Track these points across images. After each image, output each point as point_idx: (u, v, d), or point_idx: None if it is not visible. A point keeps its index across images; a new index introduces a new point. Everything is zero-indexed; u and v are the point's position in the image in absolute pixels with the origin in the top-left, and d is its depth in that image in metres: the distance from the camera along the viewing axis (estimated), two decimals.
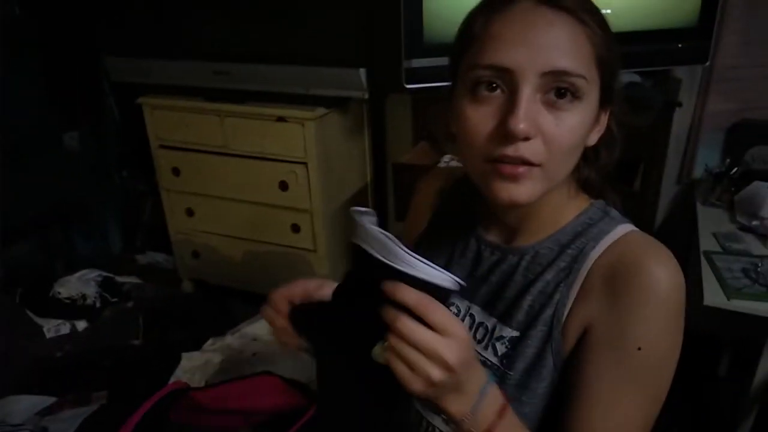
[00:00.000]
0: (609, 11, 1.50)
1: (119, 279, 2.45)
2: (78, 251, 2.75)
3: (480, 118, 0.61)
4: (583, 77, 0.60)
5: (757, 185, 1.68)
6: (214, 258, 2.50)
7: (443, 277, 0.53)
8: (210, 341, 1.97)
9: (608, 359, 0.62)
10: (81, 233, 2.78)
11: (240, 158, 2.23)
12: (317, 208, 2.20)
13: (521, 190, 0.62)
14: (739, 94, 1.94)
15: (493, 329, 0.71)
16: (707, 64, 1.74)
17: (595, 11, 0.63)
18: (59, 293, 2.27)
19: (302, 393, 1.44)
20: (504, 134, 0.59)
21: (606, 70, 0.63)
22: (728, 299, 1.33)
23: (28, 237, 2.57)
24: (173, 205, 2.48)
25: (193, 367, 1.81)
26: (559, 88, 0.60)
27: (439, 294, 0.53)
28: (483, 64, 0.60)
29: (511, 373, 0.67)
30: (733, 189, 1.77)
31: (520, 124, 0.58)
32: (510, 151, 0.60)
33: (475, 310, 0.74)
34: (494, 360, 0.69)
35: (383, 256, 0.53)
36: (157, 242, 2.84)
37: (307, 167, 2.13)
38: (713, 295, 1.35)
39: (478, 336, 0.72)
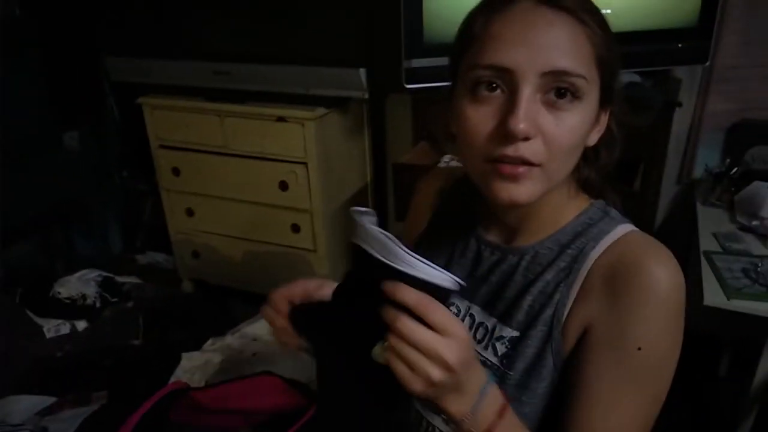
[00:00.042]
0: (609, 11, 1.49)
1: (119, 279, 2.45)
2: (78, 251, 2.76)
3: (480, 118, 0.61)
4: (583, 77, 0.60)
5: (757, 185, 1.68)
6: (214, 258, 2.50)
7: (443, 277, 0.53)
8: (210, 341, 1.97)
9: (608, 359, 0.62)
10: (81, 233, 2.78)
11: (240, 158, 2.23)
12: (317, 208, 2.20)
13: (521, 190, 0.62)
14: (739, 94, 1.94)
15: (493, 329, 0.71)
16: (707, 64, 1.74)
17: (595, 11, 0.63)
18: (59, 293, 2.27)
19: (302, 393, 1.44)
20: (504, 134, 0.59)
21: (606, 70, 0.63)
22: (728, 299, 1.33)
23: (29, 237, 2.57)
24: (173, 205, 2.48)
25: (193, 367, 1.81)
26: (559, 88, 0.60)
27: (439, 294, 0.53)
28: (483, 64, 0.60)
29: (511, 373, 0.67)
30: (733, 189, 1.77)
31: (520, 124, 0.58)
32: (510, 151, 0.60)
33: (475, 310, 0.74)
34: (494, 360, 0.69)
35: (383, 256, 0.53)
36: (157, 242, 2.84)
37: (307, 167, 2.13)
38: (713, 295, 1.35)
39: (478, 336, 0.72)
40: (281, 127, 2.11)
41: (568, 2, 0.60)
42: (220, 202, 2.37)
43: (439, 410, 0.57)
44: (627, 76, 1.67)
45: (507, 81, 0.60)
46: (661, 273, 0.61)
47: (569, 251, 0.68)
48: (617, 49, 0.64)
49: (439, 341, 0.51)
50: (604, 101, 0.65)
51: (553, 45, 0.59)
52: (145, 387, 1.52)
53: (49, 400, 1.75)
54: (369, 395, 0.63)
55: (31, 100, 2.45)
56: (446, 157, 2.12)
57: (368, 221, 0.55)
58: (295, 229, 2.27)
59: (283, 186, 2.19)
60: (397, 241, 0.52)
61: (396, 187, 2.16)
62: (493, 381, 0.59)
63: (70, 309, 2.23)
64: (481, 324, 0.73)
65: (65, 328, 2.15)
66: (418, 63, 1.67)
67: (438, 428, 0.71)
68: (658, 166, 2.06)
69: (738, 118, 1.97)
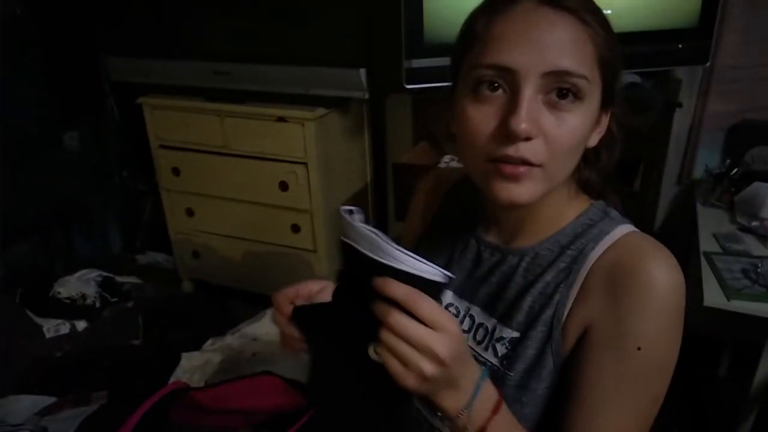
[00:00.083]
0: (609, 11, 1.49)
1: (119, 279, 2.45)
2: (78, 251, 2.76)
3: (481, 117, 0.61)
4: (585, 78, 0.60)
5: (757, 186, 1.68)
6: (214, 258, 2.50)
7: (432, 271, 0.53)
8: (210, 341, 1.97)
9: (608, 359, 0.62)
10: (81, 233, 2.78)
11: (240, 158, 2.23)
12: (317, 209, 2.20)
13: (521, 191, 0.62)
14: (740, 94, 1.94)
15: (493, 330, 0.71)
16: (708, 64, 1.74)
17: (597, 11, 0.63)
18: (59, 293, 2.27)
19: (302, 393, 1.43)
20: (505, 134, 0.59)
21: (608, 70, 0.63)
22: (728, 300, 1.33)
23: (29, 237, 2.57)
24: (173, 205, 2.48)
25: (193, 367, 1.81)
26: (561, 89, 0.60)
27: (430, 288, 0.53)
28: (485, 63, 0.60)
29: (511, 374, 0.67)
30: (733, 190, 1.77)
31: (522, 124, 0.58)
32: (511, 151, 0.59)
33: (475, 311, 0.74)
34: (494, 361, 0.69)
35: (372, 253, 0.53)
36: (157, 242, 2.84)
37: (307, 167, 2.13)
38: (713, 296, 1.35)
39: (478, 337, 0.72)
40: (281, 127, 2.11)
41: (571, 2, 0.60)
42: (220, 202, 2.37)
43: (434, 407, 0.57)
44: (627, 77, 1.67)
45: (509, 81, 0.60)
46: (660, 273, 0.61)
47: (569, 252, 0.68)
48: (619, 49, 0.64)
49: (430, 335, 0.52)
50: (606, 102, 0.65)
51: (555, 45, 0.59)
52: (144, 387, 1.51)
53: (48, 400, 1.75)
54: (367, 395, 0.63)
55: (31, 100, 2.45)
56: (446, 158, 2.12)
57: (356, 219, 0.55)
58: (295, 229, 2.27)
59: (283, 186, 2.19)
60: (385, 237, 0.53)
61: (396, 187, 2.16)
62: (487, 377, 0.59)
63: (70, 309, 2.23)
64: (481, 325, 0.73)
65: (65, 328, 2.15)
66: (418, 63, 1.67)
67: (439, 431, 0.71)
68: (658, 167, 2.06)
69: (738, 119, 1.97)
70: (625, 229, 0.67)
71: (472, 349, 0.72)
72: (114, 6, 2.34)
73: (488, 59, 0.60)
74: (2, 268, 2.39)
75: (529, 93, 0.59)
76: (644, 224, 1.97)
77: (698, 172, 2.05)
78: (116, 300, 2.33)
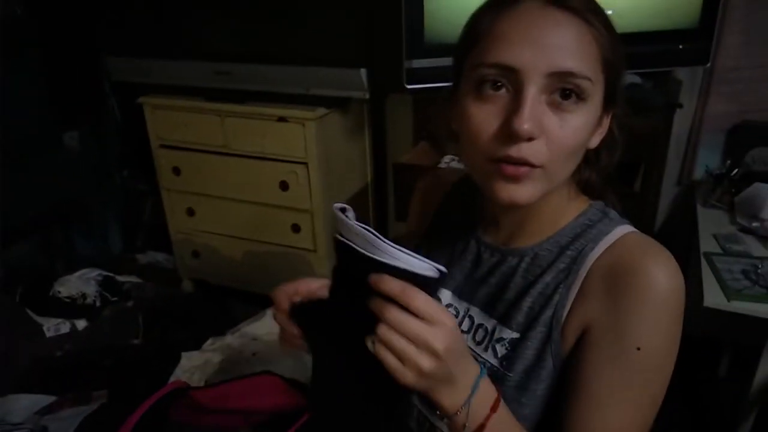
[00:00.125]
0: (611, 12, 1.49)
1: (119, 278, 2.45)
2: (78, 251, 2.76)
3: (484, 117, 0.61)
4: (589, 79, 0.60)
5: (757, 187, 1.68)
6: (215, 258, 2.50)
7: (425, 267, 0.53)
8: (210, 341, 1.97)
9: (607, 359, 0.62)
10: (81, 233, 2.78)
11: (240, 158, 2.23)
12: (317, 208, 2.20)
13: (522, 191, 0.62)
14: (740, 95, 1.94)
15: (493, 331, 0.71)
16: (708, 65, 1.74)
17: (601, 12, 0.62)
18: (59, 292, 2.27)
19: (302, 393, 1.44)
20: (508, 134, 0.59)
21: (611, 71, 0.63)
22: (728, 301, 1.33)
23: (29, 237, 2.57)
24: (174, 204, 2.49)
25: (193, 366, 1.81)
26: (564, 89, 0.60)
27: (424, 284, 0.53)
28: (488, 62, 0.60)
29: (511, 374, 0.67)
30: (733, 190, 1.77)
31: (525, 124, 0.57)
32: (513, 151, 0.59)
33: (475, 311, 0.74)
34: (494, 361, 0.69)
35: (365, 250, 0.53)
36: (158, 242, 2.84)
37: (307, 167, 2.13)
38: (713, 297, 1.34)
39: (478, 338, 0.72)
40: (282, 127, 2.11)
41: (575, 3, 0.60)
42: (220, 202, 2.37)
43: (433, 405, 0.58)
44: (628, 77, 1.67)
45: (512, 80, 0.60)
46: (659, 274, 0.61)
47: (568, 252, 0.68)
48: (622, 50, 0.64)
49: (425, 329, 0.52)
50: (608, 103, 0.65)
51: (559, 45, 0.59)
52: (144, 386, 1.52)
53: (48, 399, 1.75)
54: (366, 393, 0.63)
55: (31, 99, 2.45)
56: (447, 158, 2.12)
57: (349, 217, 0.55)
58: (296, 229, 2.27)
59: (284, 186, 2.19)
60: (377, 234, 0.53)
61: (396, 187, 2.16)
62: (485, 374, 0.59)
63: (70, 308, 2.23)
64: (480, 325, 0.73)
65: (65, 327, 2.15)
66: (418, 63, 1.67)
67: (440, 430, 0.71)
68: (658, 167, 2.06)
69: (739, 120, 1.97)
70: (624, 229, 0.67)
71: (472, 349, 0.72)
72: (114, 6, 2.34)
73: (492, 58, 0.60)
74: (2, 267, 2.39)
75: (532, 93, 0.59)
76: (644, 225, 1.98)
77: (698, 173, 2.05)
78: (116, 299, 2.33)
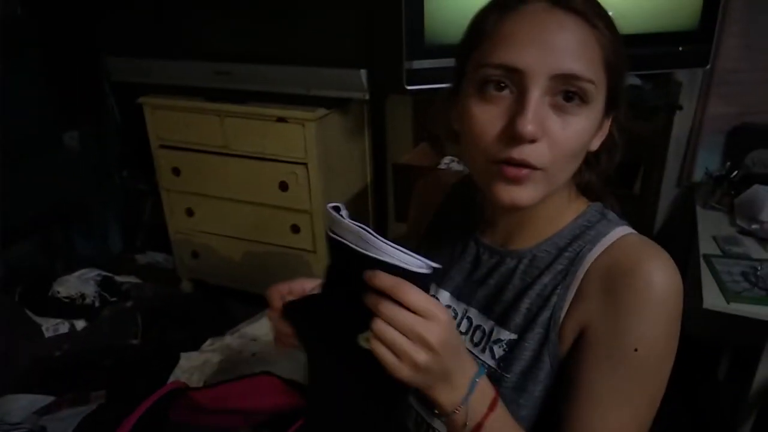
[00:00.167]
0: (611, 14, 1.49)
1: (118, 278, 2.45)
2: (78, 251, 2.76)
3: (487, 117, 0.61)
4: (592, 82, 0.60)
5: (757, 189, 1.68)
6: (214, 258, 2.50)
7: (417, 263, 0.53)
8: (209, 341, 1.97)
9: (605, 360, 0.62)
10: (81, 233, 2.78)
11: (240, 158, 2.23)
12: (317, 209, 2.20)
13: (523, 193, 0.62)
14: (740, 97, 1.94)
15: (491, 332, 0.71)
16: (708, 67, 1.74)
17: (605, 15, 0.62)
18: (58, 292, 2.27)
19: (301, 393, 1.44)
20: (511, 135, 0.59)
21: (613, 74, 0.63)
22: (728, 303, 1.33)
23: (28, 237, 2.57)
24: (173, 205, 2.48)
25: (192, 367, 1.81)
26: (568, 92, 0.59)
27: (417, 279, 0.53)
28: (493, 63, 0.60)
29: (508, 375, 0.67)
30: (733, 192, 1.77)
31: (528, 125, 0.57)
32: (515, 153, 0.59)
33: (473, 313, 0.74)
34: (491, 363, 0.69)
35: (359, 246, 0.54)
36: (157, 242, 2.84)
37: (307, 168, 2.13)
38: (713, 299, 1.34)
39: (476, 339, 0.72)
40: (282, 128, 2.11)
41: (580, 5, 0.60)
42: (220, 203, 2.37)
43: (431, 404, 0.58)
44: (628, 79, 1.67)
45: (516, 81, 0.60)
46: (657, 275, 0.60)
47: (566, 254, 0.68)
48: (625, 53, 0.64)
49: (420, 322, 0.52)
50: (609, 106, 0.65)
51: (564, 47, 0.59)
52: (143, 387, 1.52)
53: (47, 399, 1.75)
54: (362, 391, 0.63)
55: (31, 99, 2.45)
56: (447, 159, 2.12)
57: (342, 215, 0.56)
58: (295, 229, 2.27)
59: (283, 186, 2.19)
60: (371, 231, 0.53)
61: (396, 187, 2.16)
62: (483, 373, 0.59)
63: (69, 308, 2.23)
64: (478, 327, 0.73)
65: (64, 328, 2.15)
66: (419, 64, 1.67)
67: (438, 430, 0.71)
68: (658, 169, 2.06)
69: (738, 122, 1.97)
70: (623, 230, 0.67)
71: (470, 350, 0.72)
72: (115, 6, 2.35)
73: (496, 59, 0.60)
74: (2, 267, 2.39)
75: (536, 95, 0.58)
76: (644, 227, 1.98)
77: (698, 175, 2.05)
78: (115, 299, 2.33)
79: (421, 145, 2.23)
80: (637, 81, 1.77)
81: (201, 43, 2.22)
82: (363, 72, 2.00)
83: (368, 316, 0.54)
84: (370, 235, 0.53)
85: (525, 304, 0.68)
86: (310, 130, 2.07)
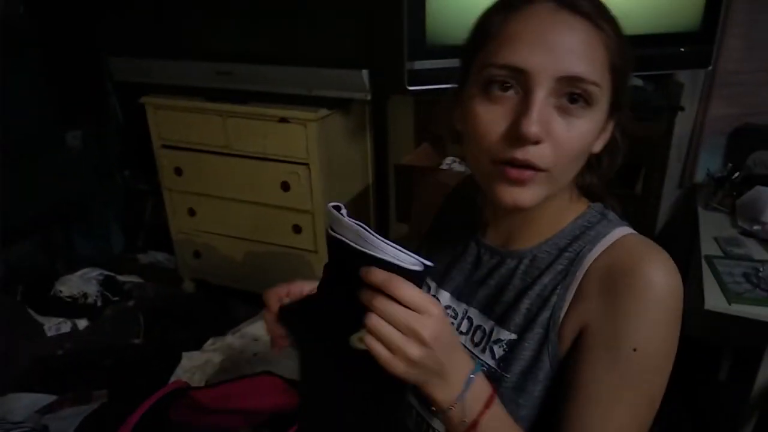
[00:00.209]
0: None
1: (120, 278, 2.46)
2: (79, 251, 2.76)
3: (491, 118, 0.61)
4: (597, 84, 0.60)
5: (758, 190, 1.68)
6: (216, 258, 2.50)
7: (411, 261, 0.54)
8: (210, 341, 1.97)
9: (604, 360, 0.62)
10: (82, 233, 2.79)
11: (242, 158, 2.24)
12: (319, 209, 2.20)
13: (525, 195, 0.62)
14: (742, 98, 1.94)
15: (491, 332, 0.71)
16: (710, 68, 1.74)
17: (611, 17, 0.62)
18: (61, 291, 2.28)
19: None
20: (516, 136, 0.59)
21: (618, 76, 0.63)
22: (729, 304, 1.33)
23: (30, 236, 2.57)
24: (175, 204, 2.49)
25: (194, 366, 1.82)
26: (573, 94, 0.59)
27: (411, 276, 0.54)
28: (498, 63, 0.60)
29: (508, 375, 0.67)
30: (734, 193, 1.76)
31: (533, 126, 0.57)
32: (519, 154, 0.59)
33: (473, 313, 0.74)
34: (491, 363, 0.69)
35: (356, 244, 0.54)
36: (159, 242, 2.84)
37: (309, 168, 2.14)
38: (714, 300, 1.34)
39: (476, 339, 0.72)
40: (283, 128, 2.11)
41: (587, 7, 0.60)
42: (221, 202, 2.37)
43: (427, 401, 0.58)
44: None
45: (521, 82, 0.60)
46: (657, 275, 0.60)
47: (566, 254, 0.68)
48: (630, 55, 0.64)
49: (413, 316, 0.53)
50: (613, 109, 0.65)
51: (570, 49, 0.59)
52: (145, 386, 1.52)
53: (49, 398, 1.75)
54: (358, 391, 0.63)
55: (33, 99, 2.46)
56: (448, 159, 2.12)
57: (342, 214, 0.57)
58: (297, 229, 2.27)
59: (285, 186, 2.19)
60: (368, 229, 0.54)
61: (398, 188, 2.16)
62: (479, 371, 0.60)
63: (72, 307, 2.24)
64: (479, 327, 0.73)
65: (66, 327, 2.16)
66: (420, 65, 1.67)
67: (437, 430, 0.71)
68: (659, 170, 2.06)
69: (740, 123, 1.97)
70: (623, 231, 0.67)
71: (470, 350, 0.72)
72: (116, 6, 2.35)
73: (502, 59, 0.60)
74: (3, 267, 2.40)
75: (541, 96, 0.58)
76: (645, 227, 1.97)
77: (700, 176, 2.05)
78: (117, 299, 2.33)
79: (423, 146, 2.23)
80: (639, 82, 1.77)
81: (203, 44, 2.23)
82: (365, 72, 2.01)
83: (363, 314, 0.55)
84: (368, 233, 0.54)
85: (525, 305, 0.68)
86: (311, 131, 2.07)
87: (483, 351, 0.70)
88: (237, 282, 2.51)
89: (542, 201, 0.63)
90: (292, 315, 0.71)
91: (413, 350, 0.53)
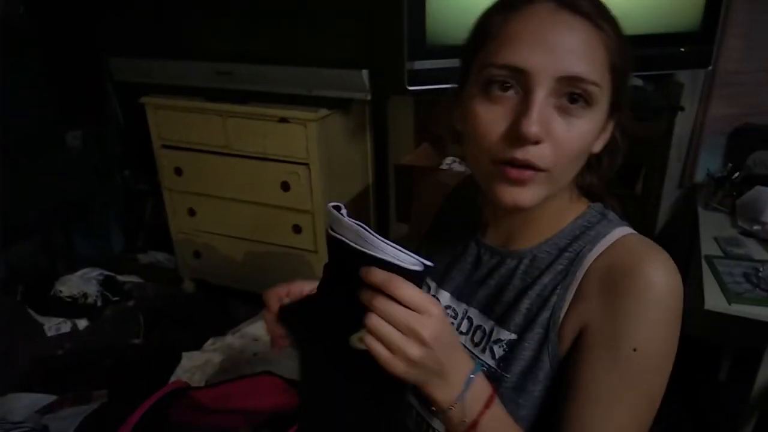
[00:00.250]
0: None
1: (120, 278, 2.46)
2: (79, 251, 2.76)
3: (491, 117, 0.61)
4: (597, 85, 0.60)
5: (758, 190, 1.68)
6: (216, 258, 2.50)
7: (411, 260, 0.54)
8: (210, 341, 1.97)
9: (603, 360, 0.62)
10: (82, 233, 2.79)
11: (242, 158, 2.24)
12: (319, 209, 2.20)
13: (525, 195, 0.62)
14: (742, 98, 1.94)
15: (491, 332, 0.71)
16: (710, 68, 1.74)
17: (612, 17, 0.62)
18: (61, 291, 2.28)
19: None
20: (515, 136, 0.59)
21: (618, 77, 0.63)
22: (729, 304, 1.33)
23: (30, 236, 2.57)
24: (175, 204, 2.49)
25: (194, 366, 1.82)
26: (573, 94, 0.59)
27: (411, 276, 0.54)
28: (498, 63, 0.60)
29: (508, 375, 0.67)
30: (734, 193, 1.77)
31: (533, 126, 0.57)
32: (519, 154, 0.59)
33: (473, 313, 0.74)
34: (491, 363, 0.69)
35: (356, 244, 0.55)
36: (159, 242, 2.84)
37: (309, 168, 2.14)
38: (714, 300, 1.34)
39: (476, 339, 0.72)
40: (283, 128, 2.11)
41: (587, 7, 0.60)
42: (221, 202, 2.37)
43: (427, 401, 0.58)
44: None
45: (521, 82, 0.60)
46: (656, 275, 0.60)
47: (566, 254, 0.68)
48: (630, 55, 0.64)
49: (412, 316, 0.53)
50: (613, 109, 0.65)
51: (570, 49, 0.59)
52: (145, 386, 1.52)
53: (49, 398, 1.75)
54: (358, 391, 0.63)
55: (34, 99, 2.46)
56: (448, 159, 2.12)
57: (342, 214, 0.57)
58: (297, 229, 2.27)
59: (285, 186, 2.20)
60: (368, 229, 0.54)
61: (398, 188, 2.16)
62: (479, 371, 0.60)
63: (72, 307, 2.23)
64: (479, 327, 0.73)
65: (66, 327, 2.15)
66: (420, 65, 1.67)
67: (437, 430, 0.71)
68: (659, 170, 2.06)
69: (740, 123, 1.97)
70: (623, 231, 0.67)
71: (470, 350, 0.72)
72: (116, 6, 2.35)
73: (502, 59, 0.60)
74: (3, 267, 2.40)
75: (541, 96, 0.59)
76: (645, 227, 1.97)
77: (700, 176, 2.05)
78: (117, 299, 2.33)
79: (423, 146, 2.23)
80: (639, 82, 1.77)
81: (203, 44, 2.23)
82: (365, 72, 2.01)
83: (362, 313, 0.55)
84: (368, 233, 0.54)
85: (525, 305, 0.68)
86: (311, 131, 2.07)
87: (483, 351, 0.70)
88: (237, 282, 2.51)
89: (542, 201, 0.63)
90: (292, 315, 0.71)
91: (413, 350, 0.53)
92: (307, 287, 0.74)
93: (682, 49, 1.67)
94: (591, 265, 0.65)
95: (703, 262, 1.49)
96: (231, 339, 1.95)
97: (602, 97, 0.61)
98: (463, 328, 0.74)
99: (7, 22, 2.29)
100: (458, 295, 0.77)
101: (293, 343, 0.74)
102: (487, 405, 0.59)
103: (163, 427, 1.40)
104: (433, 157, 2.16)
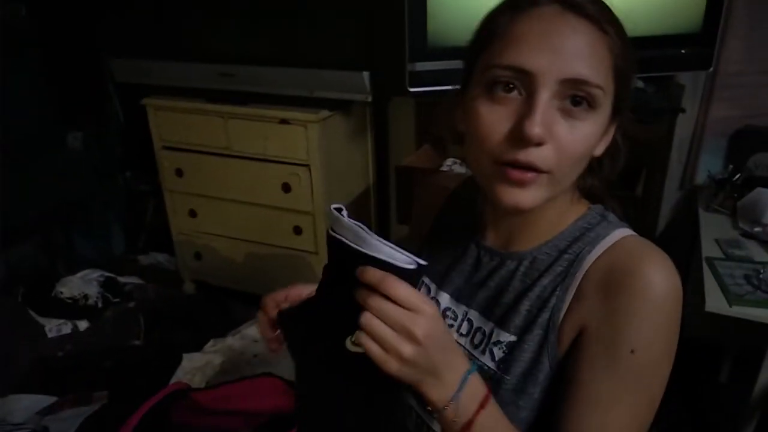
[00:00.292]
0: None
1: (121, 279, 2.46)
2: (79, 252, 2.76)
3: (494, 118, 0.61)
4: (601, 88, 0.60)
5: (759, 192, 1.68)
6: (216, 259, 2.50)
7: (405, 260, 0.54)
8: (211, 342, 1.97)
9: (602, 361, 0.62)
10: (83, 233, 2.79)
11: (243, 160, 2.24)
12: (319, 211, 2.20)
13: (526, 196, 0.62)
14: (743, 100, 1.94)
15: (491, 334, 0.71)
16: (711, 70, 1.74)
17: (616, 20, 0.62)
18: (61, 293, 2.28)
19: None
20: (518, 137, 0.59)
21: (621, 80, 0.63)
22: (730, 306, 1.33)
23: (30, 237, 2.57)
24: (176, 206, 2.49)
25: (194, 368, 1.82)
26: (576, 96, 0.59)
27: (406, 275, 0.54)
28: (503, 64, 0.60)
29: (508, 377, 0.67)
30: (735, 195, 1.76)
31: (536, 128, 0.57)
32: (521, 156, 0.59)
33: (473, 315, 0.74)
34: (491, 365, 0.69)
35: (355, 243, 0.55)
36: (160, 243, 2.84)
37: (309, 169, 2.14)
38: (715, 302, 1.34)
39: (476, 341, 0.72)
40: (284, 129, 2.11)
41: (592, 10, 0.60)
42: (222, 204, 2.37)
43: (423, 401, 0.58)
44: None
45: (525, 83, 0.60)
46: (656, 276, 0.60)
47: (566, 256, 0.68)
48: (634, 59, 0.64)
49: (406, 315, 0.53)
50: (615, 112, 0.65)
51: (575, 52, 0.59)
52: (145, 387, 1.52)
53: (49, 400, 1.75)
54: (354, 394, 0.63)
55: (34, 100, 2.46)
56: (449, 161, 2.12)
57: (343, 215, 0.57)
58: (297, 231, 2.27)
59: (286, 188, 2.20)
60: (367, 229, 0.54)
61: (398, 190, 2.16)
62: (475, 370, 0.60)
63: (72, 309, 2.23)
64: (479, 329, 0.73)
65: (67, 328, 2.16)
66: (421, 66, 1.67)
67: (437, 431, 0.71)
68: (660, 172, 2.06)
69: (741, 125, 1.97)
70: (623, 232, 0.67)
71: (470, 352, 0.72)
72: (117, 7, 2.36)
73: (506, 60, 0.60)
74: (4, 268, 2.40)
75: (545, 98, 0.59)
76: (646, 229, 1.97)
77: (701, 178, 2.05)
78: (118, 300, 2.33)
79: (424, 148, 2.22)
80: (639, 84, 1.76)
81: (204, 45, 2.23)
82: (366, 74, 2.01)
83: (359, 313, 0.55)
84: (365, 233, 0.54)
85: (525, 306, 0.68)
86: (312, 132, 2.07)
87: (483, 353, 0.70)
88: (237, 283, 2.51)
89: (543, 203, 0.63)
90: (290, 320, 0.71)
91: (406, 348, 0.53)
92: (305, 291, 0.75)
93: (683, 51, 1.67)
94: (590, 266, 0.65)
95: (704, 264, 1.49)
96: (231, 340, 1.95)
97: (605, 101, 0.61)
98: (463, 330, 0.74)
99: (8, 23, 2.29)
100: (458, 297, 0.77)
101: (288, 348, 0.74)
102: (483, 405, 0.59)
103: (163, 428, 1.40)
104: (433, 159, 2.16)
